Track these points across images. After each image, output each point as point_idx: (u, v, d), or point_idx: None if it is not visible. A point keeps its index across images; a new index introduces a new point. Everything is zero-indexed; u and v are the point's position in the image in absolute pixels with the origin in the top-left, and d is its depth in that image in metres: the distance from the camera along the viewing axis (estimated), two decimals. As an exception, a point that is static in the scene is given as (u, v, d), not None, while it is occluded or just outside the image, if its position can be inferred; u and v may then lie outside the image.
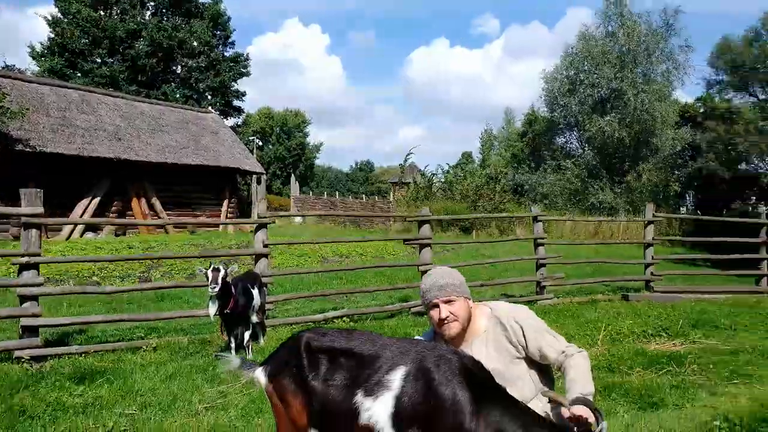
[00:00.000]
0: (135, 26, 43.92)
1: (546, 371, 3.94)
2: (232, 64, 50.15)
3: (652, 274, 13.42)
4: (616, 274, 15.25)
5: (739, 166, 38.85)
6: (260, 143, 70.02)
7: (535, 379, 3.82)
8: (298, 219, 36.29)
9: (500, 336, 3.83)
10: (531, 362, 3.85)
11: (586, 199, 35.90)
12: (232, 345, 7.97)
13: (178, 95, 45.89)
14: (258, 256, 9.49)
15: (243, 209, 38.07)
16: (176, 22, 46.89)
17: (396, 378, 3.23)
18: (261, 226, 9.45)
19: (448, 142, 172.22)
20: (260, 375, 3.59)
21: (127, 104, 30.08)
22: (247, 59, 51.81)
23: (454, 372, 3.21)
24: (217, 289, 7.51)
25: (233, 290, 7.89)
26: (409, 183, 43.92)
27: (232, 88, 51.00)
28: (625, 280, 14.20)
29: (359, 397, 3.23)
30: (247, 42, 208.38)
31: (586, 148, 39.79)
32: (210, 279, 7.58)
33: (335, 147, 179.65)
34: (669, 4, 44.17)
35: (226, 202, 31.56)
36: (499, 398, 3.29)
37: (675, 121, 37.55)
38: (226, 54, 51.07)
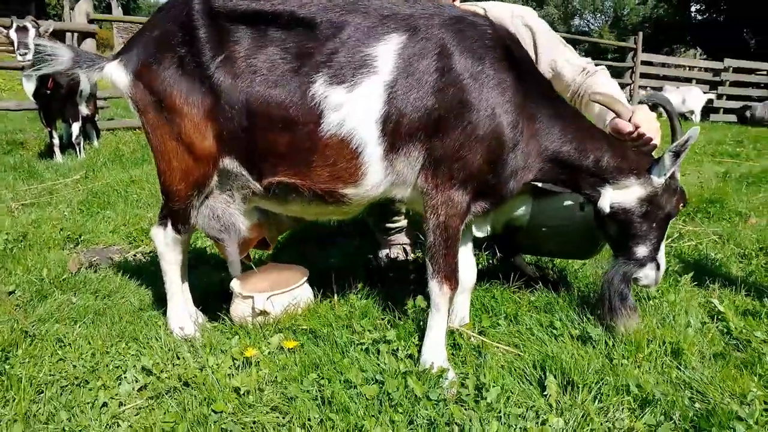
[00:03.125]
0: None
1: None
2: None
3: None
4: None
5: (573, 22, 39.99)
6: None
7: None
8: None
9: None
10: None
11: None
12: (56, 141, 5.86)
13: None
14: (82, 35, 7.08)
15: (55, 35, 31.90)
16: None
17: (384, 53, 1.80)
18: (84, -7, 6.95)
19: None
20: (116, 69, 1.95)
21: None
22: None
23: (485, 44, 1.87)
24: (29, 56, 5.27)
25: (52, 64, 5.73)
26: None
27: None
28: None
29: (319, 87, 1.77)
30: None
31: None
32: (16, 42, 5.33)
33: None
34: None
35: (29, 21, 25.85)
36: (545, 92, 2.05)
37: None
38: None
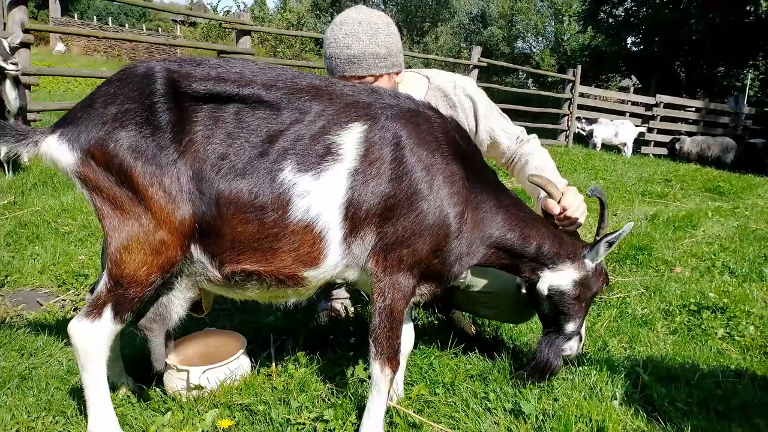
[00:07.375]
0: None
1: None
2: None
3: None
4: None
5: (516, 44, 41.28)
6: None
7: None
8: (59, 47, 30.23)
9: (445, 115, 2.65)
10: None
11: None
12: (-18, 159, 5.62)
13: None
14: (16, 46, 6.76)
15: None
16: None
17: (348, 141, 1.85)
18: (18, 0, 6.63)
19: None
20: (57, 146, 1.78)
21: None
22: None
23: (437, 137, 1.96)
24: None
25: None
26: (198, 22, 38.96)
27: None
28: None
29: (287, 174, 1.79)
30: None
31: (389, 4, 38.87)
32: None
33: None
34: None
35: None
36: (490, 183, 2.16)
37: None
38: None
